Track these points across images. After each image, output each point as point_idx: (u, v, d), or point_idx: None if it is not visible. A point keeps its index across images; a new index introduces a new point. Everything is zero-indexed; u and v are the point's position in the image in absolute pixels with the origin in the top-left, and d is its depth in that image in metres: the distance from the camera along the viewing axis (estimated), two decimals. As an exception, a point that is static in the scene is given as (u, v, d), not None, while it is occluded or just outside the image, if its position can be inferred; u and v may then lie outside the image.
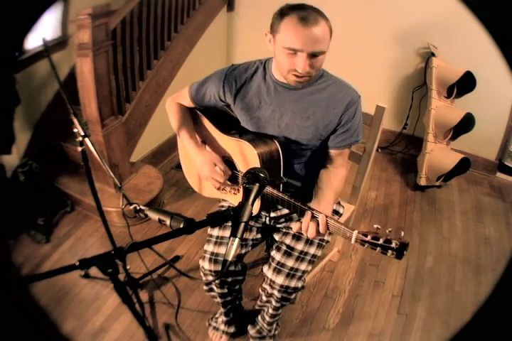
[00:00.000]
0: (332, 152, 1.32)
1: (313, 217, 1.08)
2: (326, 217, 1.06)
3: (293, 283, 1.33)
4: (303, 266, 1.34)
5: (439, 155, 2.59)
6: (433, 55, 2.59)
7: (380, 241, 0.93)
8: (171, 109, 1.44)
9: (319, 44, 1.07)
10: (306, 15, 1.05)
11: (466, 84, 2.49)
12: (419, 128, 2.93)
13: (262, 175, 0.95)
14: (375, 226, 0.99)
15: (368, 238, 0.95)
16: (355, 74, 2.97)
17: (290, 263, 1.34)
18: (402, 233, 0.92)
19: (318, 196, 1.23)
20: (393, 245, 0.91)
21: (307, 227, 1.08)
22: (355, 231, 0.98)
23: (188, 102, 1.41)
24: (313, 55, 1.08)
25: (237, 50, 3.36)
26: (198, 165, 1.36)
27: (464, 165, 2.50)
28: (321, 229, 1.06)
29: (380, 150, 3.05)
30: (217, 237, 1.41)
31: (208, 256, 1.39)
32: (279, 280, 1.33)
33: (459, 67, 2.47)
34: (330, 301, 1.88)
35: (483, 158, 2.83)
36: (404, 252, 0.90)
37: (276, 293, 1.38)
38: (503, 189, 2.73)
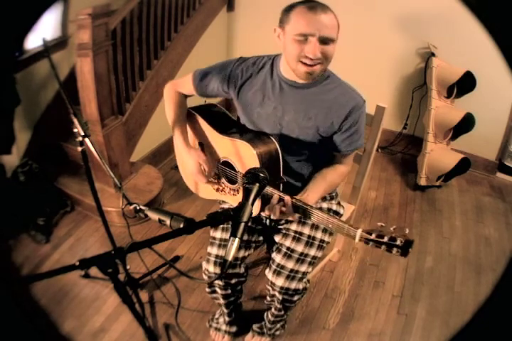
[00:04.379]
0: (337, 154, 1.32)
1: (280, 200, 1.13)
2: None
3: (293, 285, 1.33)
4: (303, 268, 1.34)
5: (439, 155, 2.59)
6: (433, 55, 2.59)
7: (385, 239, 0.92)
8: (169, 97, 1.42)
9: (329, 29, 1.08)
10: (315, 4, 1.10)
11: (466, 84, 2.49)
12: (419, 128, 2.94)
13: (262, 175, 0.95)
14: (379, 224, 0.99)
15: (373, 236, 0.94)
16: (355, 74, 2.98)
17: (290, 265, 1.33)
18: (407, 230, 0.93)
19: (309, 184, 1.26)
20: (398, 243, 0.90)
21: (272, 208, 1.14)
22: (360, 230, 0.97)
23: (189, 90, 1.39)
24: (323, 42, 1.09)
25: (237, 50, 3.36)
26: (184, 161, 1.38)
27: (463, 165, 2.50)
28: (286, 210, 1.12)
29: (380, 150, 3.05)
30: (221, 239, 1.40)
31: (212, 259, 1.39)
32: (279, 282, 1.33)
33: (459, 67, 2.47)
34: (330, 301, 1.88)
35: (483, 158, 2.83)
36: (410, 249, 0.90)
37: (277, 294, 1.38)
38: (503, 189, 2.73)
